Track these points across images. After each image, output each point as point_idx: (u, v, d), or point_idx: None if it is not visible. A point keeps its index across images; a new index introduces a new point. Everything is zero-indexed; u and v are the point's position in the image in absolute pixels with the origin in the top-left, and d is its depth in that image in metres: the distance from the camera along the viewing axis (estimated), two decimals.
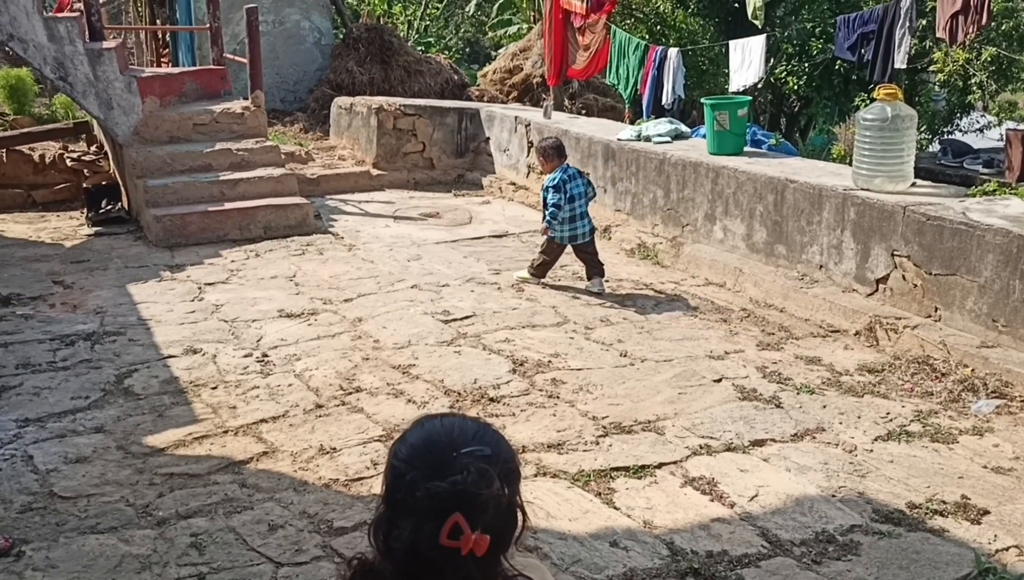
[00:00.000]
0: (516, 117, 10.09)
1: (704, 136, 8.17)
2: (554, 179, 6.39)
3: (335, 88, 14.50)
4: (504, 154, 10.31)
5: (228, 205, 8.07)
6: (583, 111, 15.71)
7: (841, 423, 4.28)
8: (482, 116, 10.94)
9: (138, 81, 8.62)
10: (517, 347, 5.28)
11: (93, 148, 10.17)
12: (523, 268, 6.76)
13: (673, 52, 9.83)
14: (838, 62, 13.31)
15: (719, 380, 4.81)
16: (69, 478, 3.76)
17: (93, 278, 6.77)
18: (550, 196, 6.38)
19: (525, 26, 21.51)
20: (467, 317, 5.84)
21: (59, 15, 8.79)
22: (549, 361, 5.07)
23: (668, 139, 7.99)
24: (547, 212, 6.39)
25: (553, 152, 6.53)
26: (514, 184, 10.04)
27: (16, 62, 13.09)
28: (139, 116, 8.58)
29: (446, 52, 22.69)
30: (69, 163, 9.68)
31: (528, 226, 8.50)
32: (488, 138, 10.69)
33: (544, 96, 16.09)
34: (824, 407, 4.46)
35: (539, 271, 6.59)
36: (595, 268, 6.46)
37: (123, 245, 7.80)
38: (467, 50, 29.57)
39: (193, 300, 6.24)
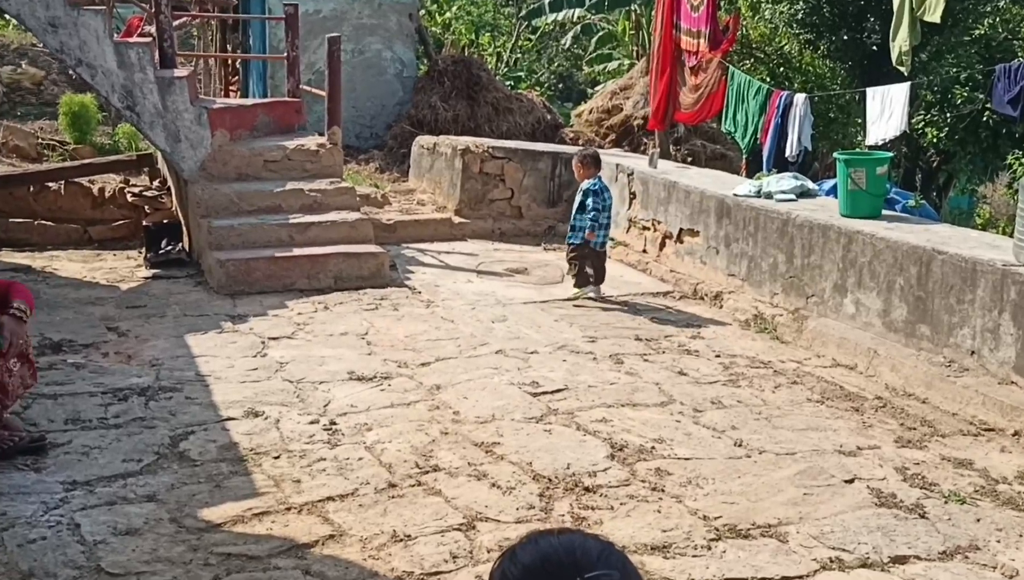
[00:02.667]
0: (618, 165, 10.13)
1: (832, 194, 8.05)
2: (595, 184, 7.82)
3: (416, 125, 14.81)
4: None
5: (297, 251, 8.25)
6: (689, 159, 15.73)
7: (999, 542, 4.09)
8: (575, 162, 10.98)
9: (208, 113, 8.93)
10: (615, 429, 5.22)
11: (156, 183, 10.54)
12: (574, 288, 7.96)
13: (800, 98, 9.77)
14: (987, 113, 13.05)
15: (851, 481, 4.66)
16: (118, 552, 3.82)
17: (149, 326, 6.96)
18: (591, 201, 7.76)
19: (627, 62, 21.72)
20: (558, 390, 5.82)
21: (130, 40, 9.20)
22: (652, 447, 4.99)
23: (792, 197, 7.90)
24: (586, 217, 7.77)
25: (592, 161, 7.99)
26: (613, 239, 10.01)
27: (80, 88, 13.72)
28: (207, 150, 8.87)
29: (538, 88, 23.01)
30: (130, 198, 10.05)
31: (630, 288, 8.47)
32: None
33: (646, 141, 16.19)
34: (978, 521, 4.27)
35: (581, 280, 7.91)
36: (601, 277, 7.97)
37: (182, 290, 8.03)
38: (560, 86, 29.91)
39: (256, 355, 6.35)
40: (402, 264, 9.16)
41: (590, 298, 7.90)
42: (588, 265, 7.97)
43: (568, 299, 7.91)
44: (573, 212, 8.07)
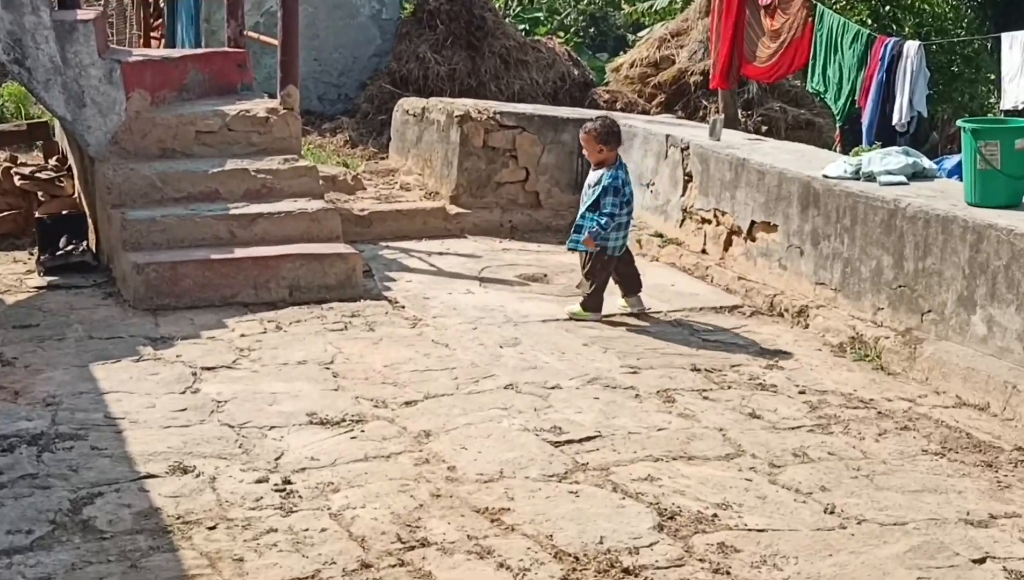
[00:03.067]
0: (668, 137, 10.15)
1: (956, 175, 8.03)
2: (616, 178, 7.89)
3: (398, 83, 14.92)
4: (648, 191, 10.34)
5: (240, 252, 8.29)
6: (764, 128, 15.79)
7: None
8: None
9: (123, 68, 9.00)
10: (665, 489, 5.21)
11: (52, 161, 10.60)
12: (579, 306, 8.02)
13: (912, 47, 9.79)
14: None
15: (982, 560, 4.65)
16: None
17: (44, 352, 6.99)
18: (608, 200, 7.82)
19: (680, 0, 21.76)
20: (588, 438, 5.82)
21: None
22: (714, 515, 4.98)
23: (902, 179, 7.90)
24: (597, 219, 7.82)
25: (613, 138, 7.96)
26: (661, 236, 10.06)
27: None
28: (121, 118, 8.95)
29: (561, 34, 23.10)
30: (17, 182, 10.09)
31: (684, 302, 8.49)
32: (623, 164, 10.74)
33: (706, 104, 16.26)
34: None
35: (595, 302, 7.94)
36: (635, 283, 8.14)
37: (87, 304, 8.06)
38: (591, 31, 30.01)
39: (185, 392, 6.37)
40: (380, 269, 9.16)
41: (604, 321, 8.00)
42: (615, 277, 8.10)
43: (573, 315, 8.00)
44: (582, 207, 8.12)
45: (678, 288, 8.91)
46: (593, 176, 8.07)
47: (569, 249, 8.21)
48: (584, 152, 8.23)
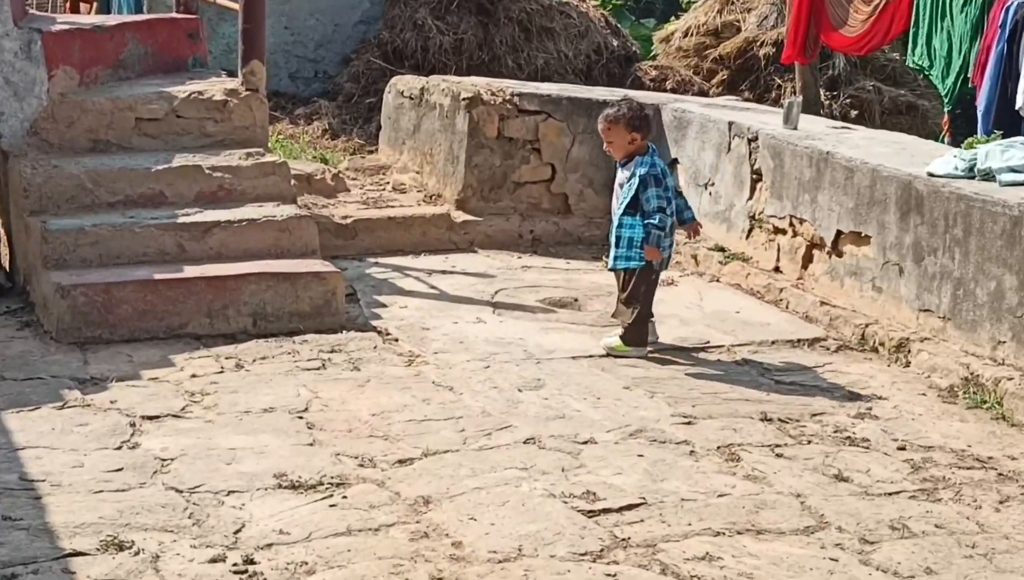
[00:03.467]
0: (731, 124, 10.18)
1: None
2: (653, 165, 7.94)
3: (391, 57, 15.00)
4: (706, 192, 10.36)
5: (191, 271, 8.33)
6: (854, 112, 15.79)
7: None
8: (664, 118, 11.04)
9: (43, 39, 9.05)
10: (727, 571, 5.21)
11: None
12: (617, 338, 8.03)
13: None
14: None
15: None
16: None
17: None
18: (652, 193, 7.86)
19: None
20: (630, 507, 5.81)
21: None
22: None
23: None
24: (652, 220, 7.84)
25: (646, 123, 8.08)
26: (723, 249, 10.06)
27: None
28: (42, 102, 9.00)
29: None
30: None
31: (752, 334, 8.50)
32: (675, 160, 10.76)
33: (779, 82, 16.27)
34: None
35: (639, 333, 7.99)
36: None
37: None
38: None
39: (120, 447, 6.38)
40: (367, 292, 9.18)
41: (650, 357, 8.04)
42: (650, 302, 8.14)
43: (611, 350, 8.03)
44: (618, 210, 8.13)
45: (745, 316, 8.90)
46: (623, 173, 8.11)
47: (615, 269, 8.16)
48: (607, 146, 8.18)
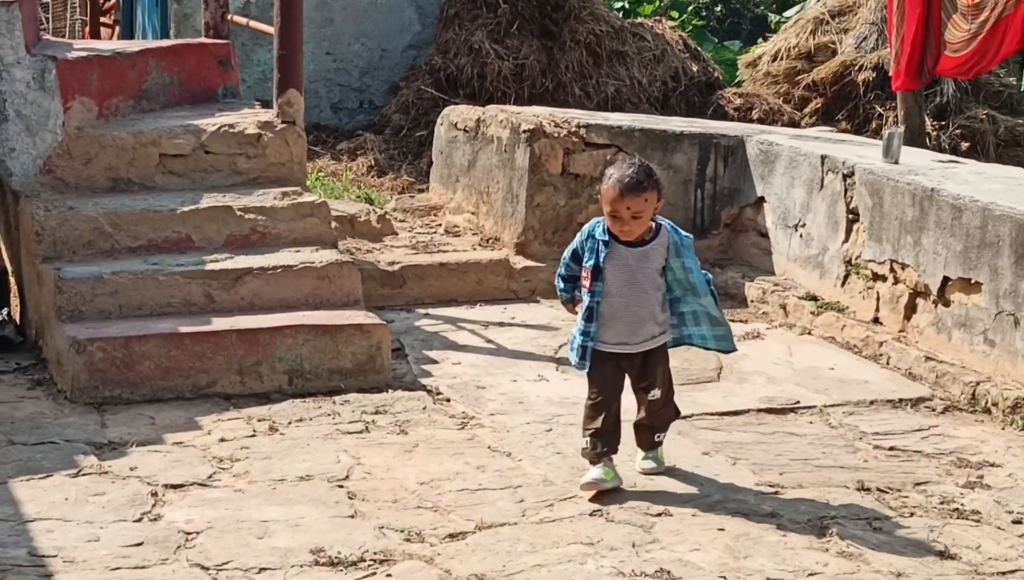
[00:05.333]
0: (824, 158, 10.17)
1: None
2: (678, 231, 7.03)
3: (444, 85, 15.06)
4: (796, 234, 10.36)
5: (221, 323, 8.38)
6: (965, 145, 15.70)
7: None
8: (749, 152, 11.05)
9: (59, 67, 9.13)
10: None
11: None
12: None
13: None
14: None
15: None
16: None
17: None
18: (696, 259, 7.06)
19: None
20: None
21: None
22: None
23: None
24: (713, 288, 7.14)
25: (606, 186, 6.92)
26: (815, 298, 10.04)
27: None
28: (56, 136, 9.09)
29: (674, 16, 23.23)
30: None
31: (848, 393, 8.45)
32: (761, 198, 10.77)
33: (882, 111, 16.23)
34: None
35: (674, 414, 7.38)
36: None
37: (7, 396, 8.14)
38: (718, 11, 30.13)
39: (141, 519, 6.40)
40: (416, 347, 9.20)
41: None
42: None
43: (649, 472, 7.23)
44: (669, 289, 7.07)
45: (840, 373, 8.86)
46: (637, 253, 6.87)
47: (724, 351, 7.42)
48: (631, 225, 6.77)
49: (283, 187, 9.34)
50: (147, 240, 8.84)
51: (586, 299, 6.97)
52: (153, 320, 8.38)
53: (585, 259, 6.91)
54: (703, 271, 7.07)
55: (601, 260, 6.81)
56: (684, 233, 7.03)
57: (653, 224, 6.85)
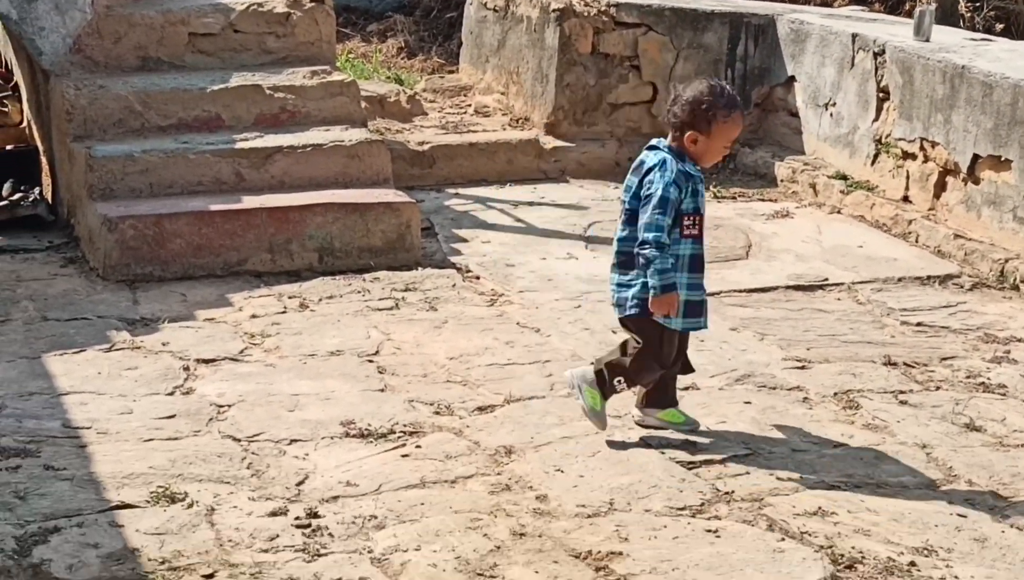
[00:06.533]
0: (855, 36, 10.12)
1: None
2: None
3: None
4: (826, 113, 10.33)
5: (251, 201, 8.43)
6: (999, 25, 15.55)
7: None
8: (780, 31, 10.99)
9: None
10: (842, 528, 5.24)
11: None
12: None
13: None
14: None
15: None
16: None
17: None
18: (647, 220, 5.96)
19: None
20: (736, 457, 5.87)
21: None
22: (911, 563, 4.98)
23: None
24: (639, 261, 6.02)
25: (703, 118, 6.04)
26: (845, 177, 10.03)
27: None
28: (86, 15, 9.06)
29: None
30: None
31: (877, 270, 8.47)
32: (792, 77, 10.73)
33: None
34: None
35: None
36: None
37: (40, 274, 8.23)
38: None
39: (173, 393, 6.50)
40: (446, 225, 9.24)
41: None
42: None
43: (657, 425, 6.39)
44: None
45: (869, 250, 8.86)
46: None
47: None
48: (728, 149, 6.46)
49: (312, 66, 9.33)
50: (177, 119, 8.85)
51: (687, 248, 6.05)
52: (184, 198, 8.42)
53: (685, 204, 6.00)
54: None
55: (701, 202, 6.12)
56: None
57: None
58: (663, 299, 5.88)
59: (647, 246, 5.87)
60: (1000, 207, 8.60)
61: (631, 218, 6.06)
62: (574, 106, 10.85)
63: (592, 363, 6.18)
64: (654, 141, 6.21)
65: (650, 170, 6.00)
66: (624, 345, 6.15)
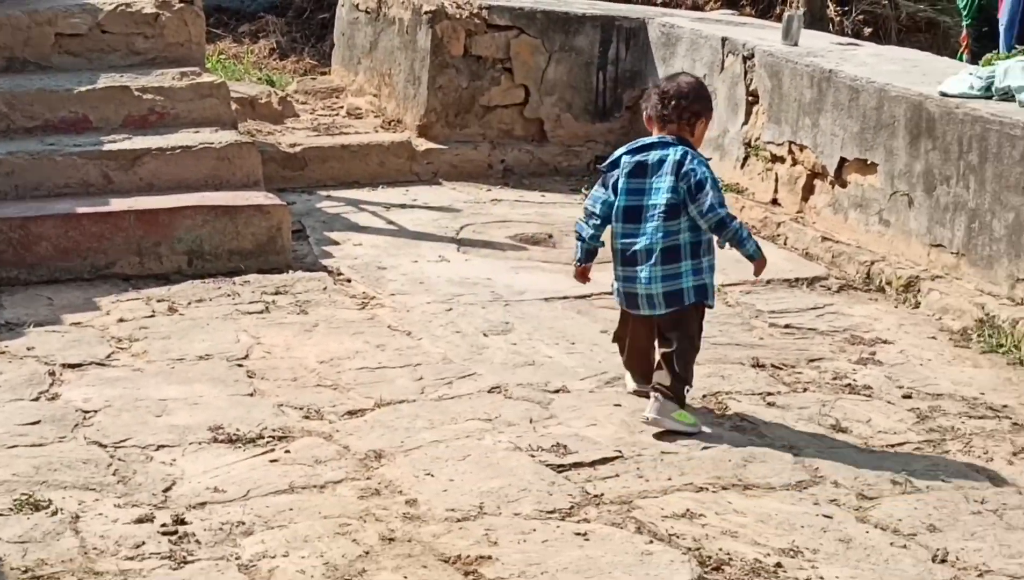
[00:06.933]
0: (724, 40, 10.20)
1: None
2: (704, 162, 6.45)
3: None
4: None
5: (119, 204, 8.32)
6: (868, 31, 15.77)
7: None
8: (651, 34, 11.05)
9: None
10: (710, 530, 5.26)
11: None
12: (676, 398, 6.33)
13: None
14: None
15: None
16: None
17: None
18: (713, 201, 6.27)
19: None
20: (605, 460, 5.87)
21: None
22: (778, 564, 5.02)
23: None
24: (728, 235, 6.38)
25: (707, 102, 6.59)
26: (718, 181, 10.06)
27: None
28: None
29: None
30: None
31: (745, 272, 8.40)
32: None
33: None
34: None
35: (680, 387, 6.31)
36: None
37: None
38: None
39: (38, 398, 6.40)
40: (317, 228, 9.19)
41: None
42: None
43: (676, 431, 6.27)
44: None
45: (737, 253, 8.92)
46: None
47: (671, 314, 6.39)
48: (692, 135, 6.50)
49: (181, 67, 9.25)
50: (43, 120, 8.73)
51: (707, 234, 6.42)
52: (50, 201, 8.29)
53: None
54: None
55: None
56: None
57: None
58: (762, 260, 6.48)
59: (733, 218, 6.37)
60: (866, 210, 8.70)
61: (671, 213, 6.26)
62: (446, 108, 10.83)
63: (652, 395, 6.21)
64: (655, 138, 6.44)
65: (679, 164, 6.28)
66: (655, 362, 6.37)
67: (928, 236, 8.21)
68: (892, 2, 16.57)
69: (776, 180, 9.56)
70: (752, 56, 9.85)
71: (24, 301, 7.68)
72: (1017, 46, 9.66)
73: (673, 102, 6.36)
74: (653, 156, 6.35)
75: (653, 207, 6.29)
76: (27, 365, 6.79)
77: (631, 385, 6.70)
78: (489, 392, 6.61)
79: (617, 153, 6.49)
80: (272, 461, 5.80)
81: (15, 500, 5.34)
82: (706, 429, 6.24)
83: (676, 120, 6.37)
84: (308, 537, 5.14)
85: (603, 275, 8.25)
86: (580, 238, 6.56)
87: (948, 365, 7.18)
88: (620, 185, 6.38)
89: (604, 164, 6.57)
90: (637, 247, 6.32)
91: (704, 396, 6.62)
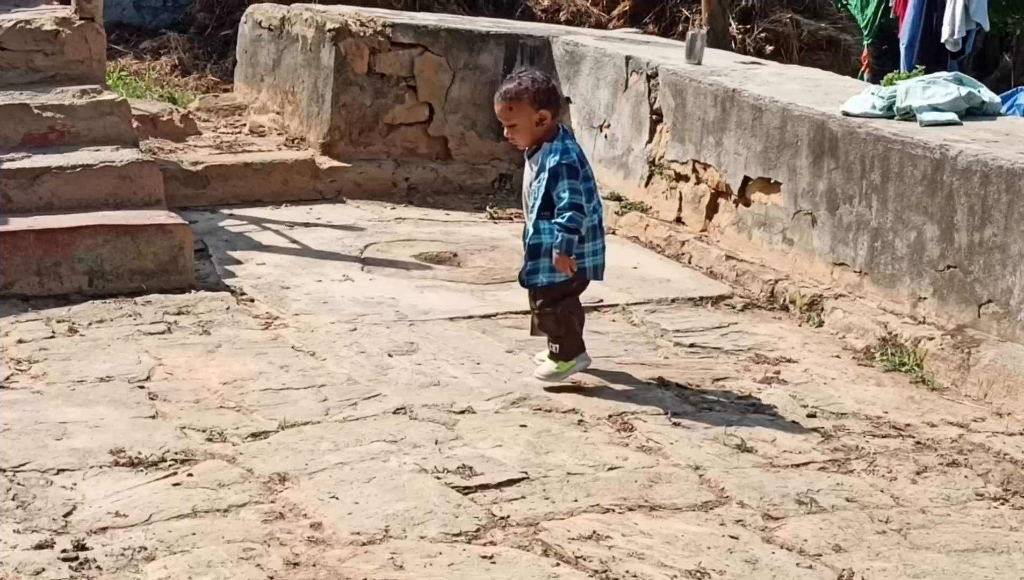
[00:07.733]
0: (629, 59, 10.23)
1: None
2: (567, 152, 6.93)
3: None
4: (601, 135, 10.43)
5: (17, 223, 8.25)
6: (769, 48, 15.91)
7: None
8: (555, 52, 11.07)
9: None
10: (616, 552, 5.25)
11: None
12: (551, 361, 7.09)
13: None
14: None
15: None
16: None
17: None
18: (564, 186, 6.84)
19: None
20: (511, 482, 5.86)
21: None
22: None
23: (952, 117, 8.00)
24: (560, 219, 6.82)
25: (555, 98, 7.09)
26: (620, 198, 10.13)
27: None
28: None
29: None
30: None
31: (650, 291, 8.57)
32: (567, 100, 10.76)
33: (689, 15, 16.35)
34: None
35: (572, 347, 7.05)
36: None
37: None
38: None
39: None
40: (220, 247, 9.14)
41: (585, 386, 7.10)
42: (581, 315, 7.20)
43: (550, 386, 7.01)
44: (530, 216, 7.10)
45: (643, 272, 8.95)
46: (530, 167, 7.10)
47: (531, 287, 7.09)
48: (509, 132, 7.10)
49: (82, 85, 9.20)
50: None
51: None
52: None
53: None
54: (569, 211, 6.78)
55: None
56: (569, 152, 6.92)
57: (547, 144, 6.98)
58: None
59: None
60: (770, 229, 8.75)
61: None
62: (350, 126, 10.82)
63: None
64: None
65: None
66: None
67: (831, 255, 8.26)
68: (793, 20, 16.70)
69: (680, 199, 9.60)
70: (656, 75, 9.89)
71: None
72: (917, 65, 9.75)
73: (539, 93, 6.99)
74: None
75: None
76: None
77: (590, 360, 7.12)
78: (394, 413, 6.58)
79: (575, 150, 7.03)
80: (175, 485, 5.73)
81: None
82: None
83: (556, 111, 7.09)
84: (211, 562, 5.08)
85: (507, 294, 8.33)
86: (576, 231, 6.82)
87: (852, 384, 7.23)
88: (589, 171, 7.09)
89: (573, 159, 6.92)
90: (597, 221, 7.07)
91: (610, 416, 6.62)
